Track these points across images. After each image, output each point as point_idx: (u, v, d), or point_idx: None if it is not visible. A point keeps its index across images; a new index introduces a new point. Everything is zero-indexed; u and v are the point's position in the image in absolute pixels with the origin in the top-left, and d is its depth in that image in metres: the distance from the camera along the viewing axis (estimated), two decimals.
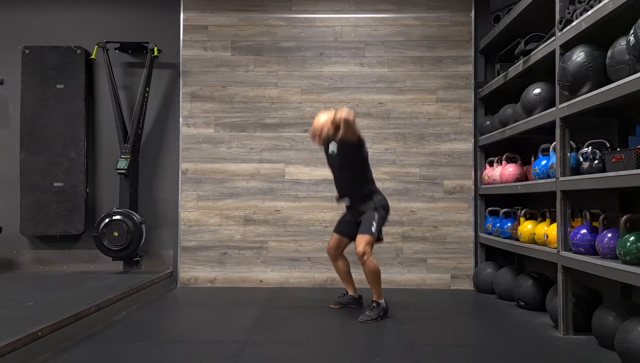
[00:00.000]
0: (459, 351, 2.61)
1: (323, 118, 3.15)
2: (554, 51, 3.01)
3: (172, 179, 4.51)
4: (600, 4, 2.52)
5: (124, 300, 3.42)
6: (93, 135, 4.55)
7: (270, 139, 4.49)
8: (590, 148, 2.78)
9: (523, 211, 3.60)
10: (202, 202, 4.47)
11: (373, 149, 4.40)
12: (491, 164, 4.20)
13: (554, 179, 3.01)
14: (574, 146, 2.98)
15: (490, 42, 4.21)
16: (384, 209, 3.33)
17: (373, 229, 3.21)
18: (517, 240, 3.60)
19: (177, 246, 4.45)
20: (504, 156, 3.96)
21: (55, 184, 4.35)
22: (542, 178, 3.23)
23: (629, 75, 2.31)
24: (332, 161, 3.43)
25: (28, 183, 4.35)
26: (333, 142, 3.32)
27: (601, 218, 2.66)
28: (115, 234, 4.09)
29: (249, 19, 4.53)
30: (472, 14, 4.48)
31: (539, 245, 3.32)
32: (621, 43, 2.41)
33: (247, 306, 3.59)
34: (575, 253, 2.82)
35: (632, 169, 2.34)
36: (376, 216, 3.26)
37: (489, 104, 4.43)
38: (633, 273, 2.27)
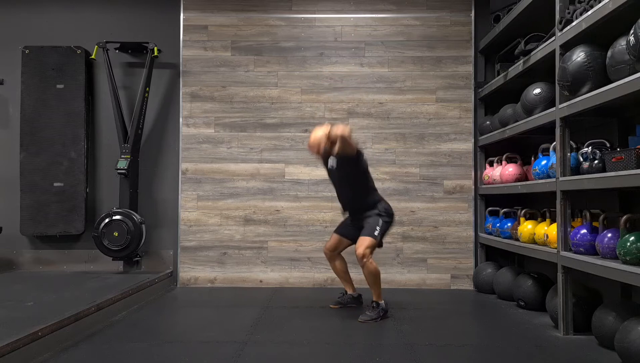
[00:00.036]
0: (459, 351, 2.61)
1: (319, 133, 3.10)
2: (554, 51, 3.01)
3: (172, 179, 4.51)
4: (600, 4, 2.52)
5: (124, 300, 3.42)
6: (93, 135, 4.55)
7: (270, 139, 4.49)
8: (590, 148, 2.78)
9: (523, 211, 3.60)
10: (202, 202, 4.47)
11: (373, 149, 4.40)
12: (491, 164, 4.20)
13: (554, 179, 3.01)
14: (574, 146, 2.98)
15: (490, 42, 4.21)
16: (389, 216, 3.32)
17: (376, 233, 3.20)
18: (517, 240, 3.60)
19: (177, 246, 4.45)
20: (504, 156, 3.96)
21: (55, 184, 4.35)
22: (542, 178, 3.23)
23: (629, 75, 2.31)
24: (333, 176, 3.43)
25: (28, 183, 4.35)
26: (332, 157, 3.30)
27: (601, 218, 2.66)
28: (115, 234, 4.10)
29: (249, 19, 4.53)
30: (472, 14, 4.48)
31: (539, 245, 3.32)
32: (621, 43, 2.41)
33: (247, 307, 3.59)
34: (575, 253, 2.82)
35: (632, 169, 2.34)
36: (380, 221, 3.26)
37: (489, 104, 4.43)
38: (633, 273, 2.27)
